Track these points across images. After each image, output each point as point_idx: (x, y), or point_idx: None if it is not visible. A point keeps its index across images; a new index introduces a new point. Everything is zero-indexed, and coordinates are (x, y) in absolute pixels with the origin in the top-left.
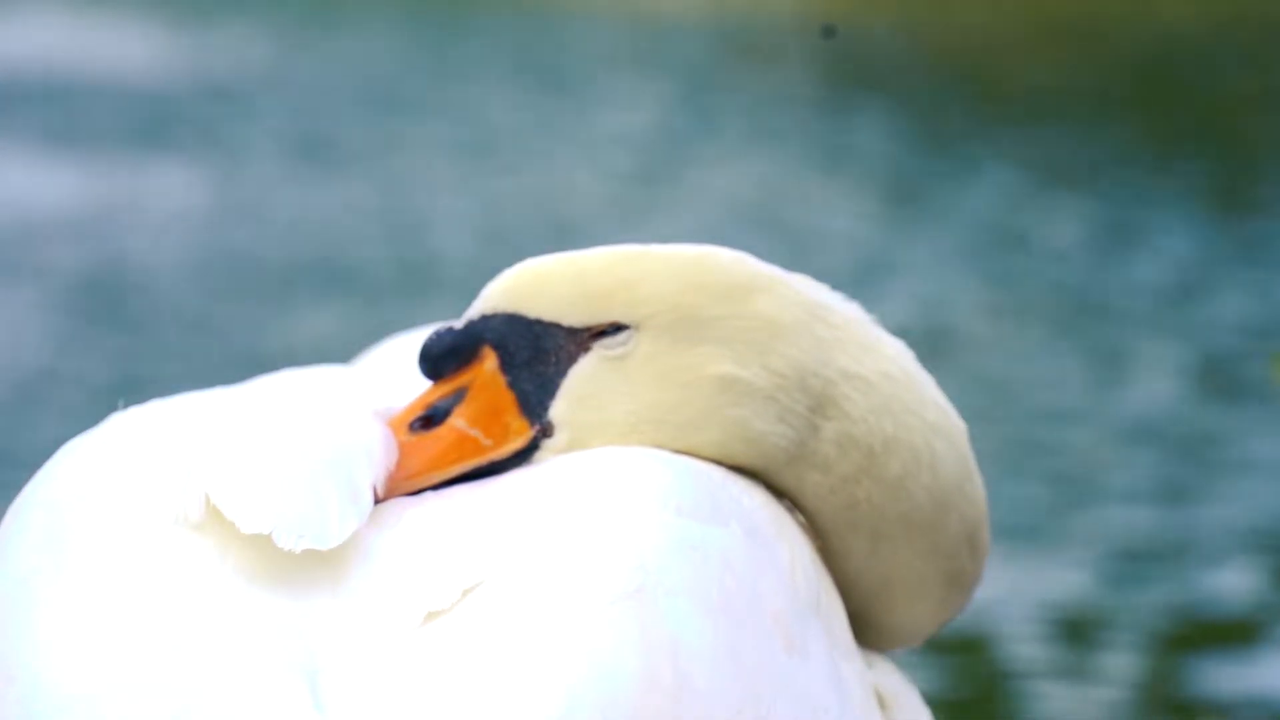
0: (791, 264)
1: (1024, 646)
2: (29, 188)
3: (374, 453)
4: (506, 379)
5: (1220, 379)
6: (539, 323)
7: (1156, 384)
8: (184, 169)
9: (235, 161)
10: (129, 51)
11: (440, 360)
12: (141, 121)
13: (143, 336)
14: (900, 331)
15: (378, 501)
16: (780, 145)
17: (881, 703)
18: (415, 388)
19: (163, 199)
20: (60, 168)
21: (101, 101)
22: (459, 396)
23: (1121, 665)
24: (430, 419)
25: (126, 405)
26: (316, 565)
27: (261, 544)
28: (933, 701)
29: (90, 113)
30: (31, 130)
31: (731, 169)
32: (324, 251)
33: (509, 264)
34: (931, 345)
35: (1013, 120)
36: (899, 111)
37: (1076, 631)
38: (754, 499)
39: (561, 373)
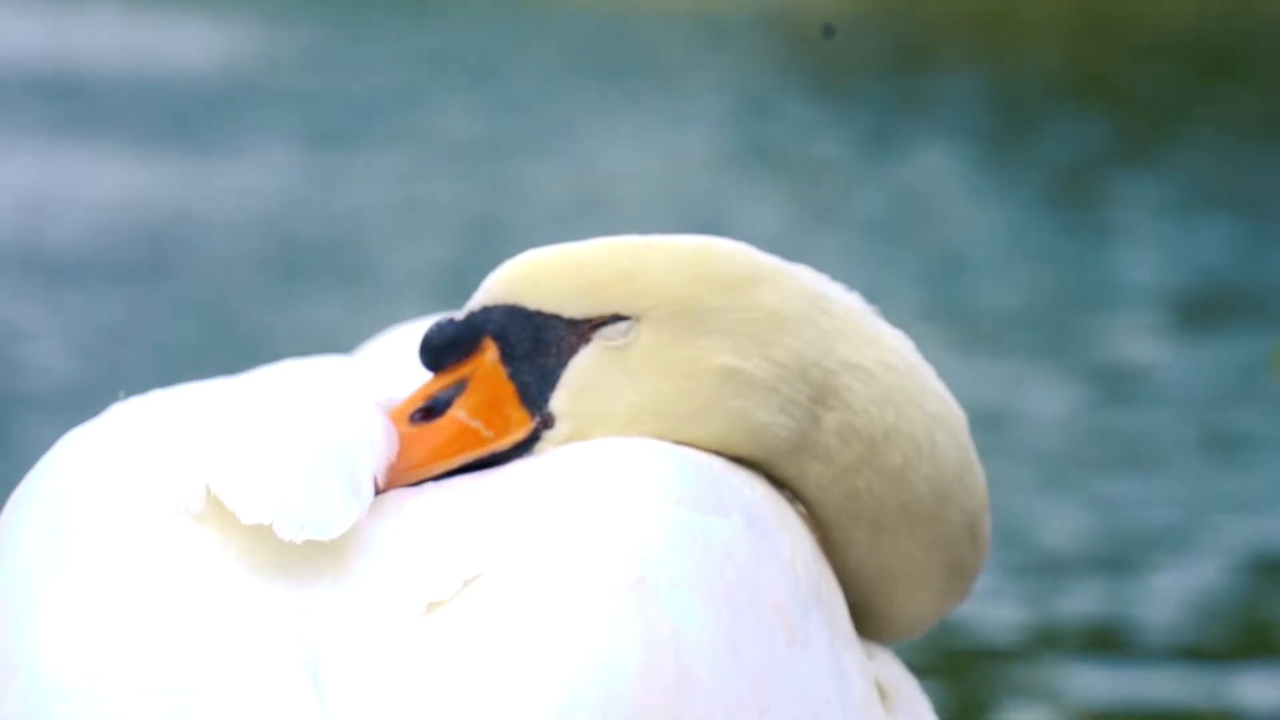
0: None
1: (1056, 650)
2: (80, 181)
3: (375, 443)
4: (507, 370)
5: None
6: (539, 314)
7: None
8: (232, 163)
9: (281, 155)
10: (184, 48)
11: (441, 351)
12: (195, 116)
13: (188, 331)
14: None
15: (379, 492)
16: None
17: (882, 693)
18: (416, 379)
19: (210, 192)
20: (115, 161)
21: (156, 96)
22: (460, 388)
23: (1164, 672)
24: (431, 410)
25: (127, 395)
26: (318, 556)
27: (262, 535)
28: (949, 704)
29: (146, 107)
30: (87, 124)
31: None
32: (375, 245)
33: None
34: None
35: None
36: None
37: (1114, 636)
38: (755, 490)
39: (562, 364)
